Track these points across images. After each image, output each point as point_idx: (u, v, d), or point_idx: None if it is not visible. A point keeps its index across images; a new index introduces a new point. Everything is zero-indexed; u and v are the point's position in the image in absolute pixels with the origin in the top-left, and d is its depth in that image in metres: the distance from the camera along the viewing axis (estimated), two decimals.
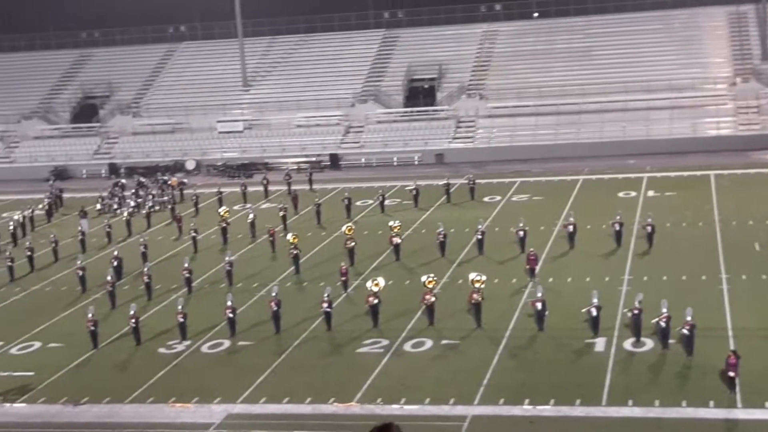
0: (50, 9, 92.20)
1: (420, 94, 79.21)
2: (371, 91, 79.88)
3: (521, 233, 44.90)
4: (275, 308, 36.27)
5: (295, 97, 79.64)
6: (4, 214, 60.27)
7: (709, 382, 29.15)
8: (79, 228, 52.41)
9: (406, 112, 77.47)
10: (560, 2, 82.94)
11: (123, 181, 68.15)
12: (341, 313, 37.30)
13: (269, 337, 35.88)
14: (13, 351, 36.45)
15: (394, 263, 44.55)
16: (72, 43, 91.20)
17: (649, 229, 44.11)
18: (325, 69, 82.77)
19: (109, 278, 41.68)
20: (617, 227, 44.66)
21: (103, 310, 39.42)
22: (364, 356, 33.44)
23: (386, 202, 55.92)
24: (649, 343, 32.37)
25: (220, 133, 77.90)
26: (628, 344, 32.59)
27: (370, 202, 57.22)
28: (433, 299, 36.01)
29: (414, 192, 56.40)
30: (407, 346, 34.05)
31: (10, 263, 46.64)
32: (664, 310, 31.90)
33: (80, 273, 43.69)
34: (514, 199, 56.88)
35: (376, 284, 37.07)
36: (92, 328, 35.83)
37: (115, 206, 60.46)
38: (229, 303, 36.52)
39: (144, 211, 57.17)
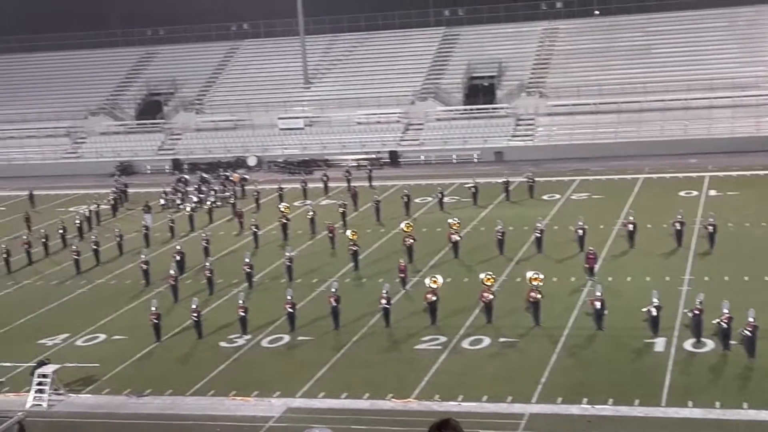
0: (117, 7, 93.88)
1: (480, 91, 79.09)
2: (431, 88, 79.97)
3: (580, 231, 44.74)
4: (334, 304, 36.62)
5: (356, 94, 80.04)
6: (71, 209, 61.52)
7: None
8: (143, 222, 53.28)
9: (465, 110, 77.44)
10: (621, 0, 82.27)
11: (186, 176, 69.19)
12: (399, 310, 37.53)
13: (328, 332, 36.24)
14: (79, 342, 37.21)
15: (452, 260, 44.67)
16: (138, 40, 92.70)
17: (710, 228, 43.66)
18: (386, 66, 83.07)
19: (171, 272, 42.32)
20: (678, 226, 44.26)
21: (166, 304, 40.06)
22: (422, 353, 33.64)
23: (445, 200, 56.02)
24: (709, 344, 32.11)
25: (281, 129, 78.58)
26: (688, 345, 32.36)
27: (429, 199, 57.35)
28: (491, 297, 36.09)
29: (473, 189, 56.41)
30: (465, 344, 34.18)
31: (76, 256, 47.60)
32: (726, 310, 31.64)
33: (144, 267, 44.44)
34: (573, 197, 56.62)
35: (435, 281, 37.27)
36: (155, 321, 36.49)
37: (178, 201, 61.33)
38: (288, 298, 36.95)
39: (206, 207, 57.93)
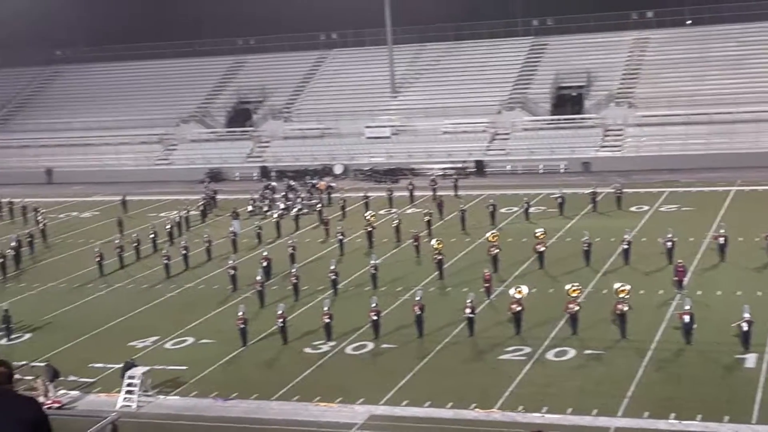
0: (209, 17, 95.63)
1: (567, 101, 78.51)
2: (518, 98, 79.61)
3: (669, 244, 44.03)
4: (419, 312, 36.67)
5: (442, 103, 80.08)
6: (162, 214, 62.75)
7: None
8: (231, 228, 54.05)
9: (552, 120, 76.90)
10: (714, 9, 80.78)
11: (273, 184, 70.02)
12: (484, 320, 37.42)
13: (412, 340, 36.30)
14: (168, 345, 37.87)
15: (537, 271, 44.38)
16: (228, 50, 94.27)
17: None
18: (473, 76, 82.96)
19: (258, 278, 42.86)
20: None
21: (253, 309, 40.54)
22: (506, 363, 33.47)
23: (531, 210, 55.71)
24: None
25: (368, 138, 79.02)
26: None
27: (515, 209, 57.06)
28: (576, 308, 35.76)
29: (559, 200, 55.99)
30: (550, 355, 33.90)
31: (166, 261, 48.54)
32: None
33: (231, 272, 45.07)
34: (662, 209, 55.77)
35: (519, 291, 37.09)
36: (242, 326, 36.94)
37: (266, 208, 62.12)
38: (373, 306, 37.11)
39: (293, 214, 58.56)
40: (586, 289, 40.01)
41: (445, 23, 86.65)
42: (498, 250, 44.84)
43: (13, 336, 39.67)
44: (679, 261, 40.73)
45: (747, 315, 32.87)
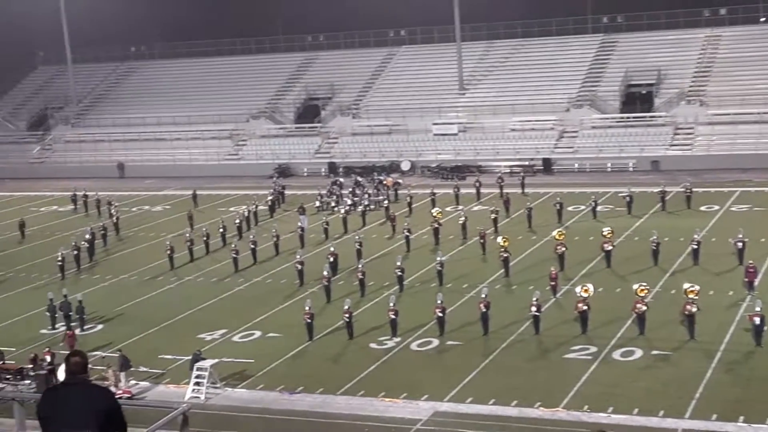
0: (280, 14, 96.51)
1: (637, 99, 77.70)
2: (587, 96, 78.98)
3: (740, 244, 43.41)
4: (484, 310, 36.69)
5: (510, 100, 79.79)
6: (231, 208, 63.56)
7: None
8: (299, 224, 54.53)
9: (621, 118, 76.18)
10: None
11: (341, 179, 70.47)
12: (550, 318, 37.30)
13: (477, 338, 36.33)
14: (236, 338, 38.36)
15: (604, 270, 44.09)
16: (299, 46, 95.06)
17: None
18: (541, 73, 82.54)
19: (325, 273, 43.21)
20: None
21: (319, 304, 40.91)
22: (572, 362, 33.34)
23: (598, 208, 55.31)
24: None
25: (435, 135, 79.07)
26: None
27: (582, 207, 56.70)
28: (644, 308, 35.47)
29: (627, 199, 55.50)
30: (616, 355, 33.69)
31: (235, 255, 49.16)
32: None
33: (299, 267, 45.46)
34: (733, 209, 54.96)
35: (586, 290, 36.91)
36: (308, 320, 37.30)
37: (333, 204, 62.55)
38: (439, 302, 37.20)
39: (359, 210, 58.89)
40: (654, 289, 39.64)
41: (514, 20, 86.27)
42: (564, 249, 44.64)
43: (86, 326, 40.57)
44: (750, 262, 40.16)
45: (759, 309, 33.17)
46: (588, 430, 27.02)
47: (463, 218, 52.68)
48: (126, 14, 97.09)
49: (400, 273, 43.34)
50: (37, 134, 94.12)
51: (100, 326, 41.08)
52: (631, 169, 70.49)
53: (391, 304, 37.64)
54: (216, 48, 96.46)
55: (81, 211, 67.47)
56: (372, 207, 60.43)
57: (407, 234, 50.83)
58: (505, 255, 44.53)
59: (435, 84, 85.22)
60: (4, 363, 35.43)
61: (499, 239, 46.41)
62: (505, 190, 60.94)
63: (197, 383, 32.52)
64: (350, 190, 64.60)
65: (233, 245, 50.72)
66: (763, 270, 41.57)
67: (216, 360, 33.94)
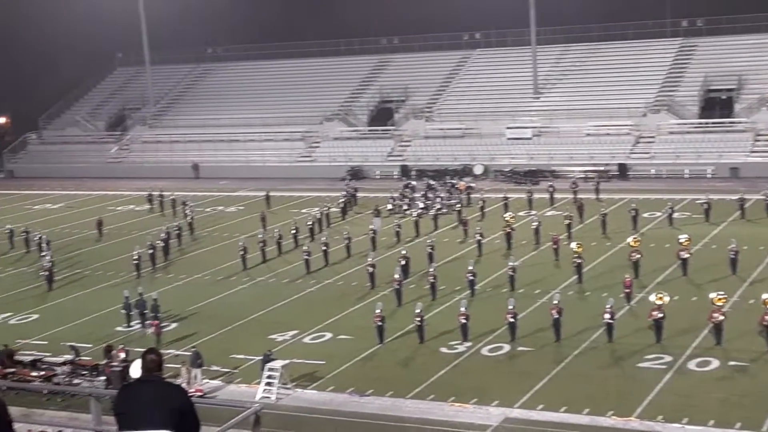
0: (354, 17, 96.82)
1: (716, 104, 76.33)
2: (664, 101, 77.81)
3: None
4: (556, 316, 36.33)
5: (586, 105, 78.99)
6: (304, 210, 63.94)
7: None
8: (371, 226, 54.58)
9: (700, 124, 74.89)
10: None
11: (413, 183, 70.41)
12: (623, 326, 36.77)
13: (549, 344, 35.98)
14: (306, 340, 38.52)
15: (680, 278, 43.33)
16: (373, 49, 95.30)
17: None
18: (618, 77, 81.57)
19: (396, 276, 43.18)
20: None
21: (390, 307, 40.86)
22: (646, 371, 32.81)
23: (675, 215, 54.42)
24: None
25: (509, 139, 78.61)
26: None
27: (658, 214, 55.85)
28: (721, 318, 34.76)
29: (705, 206, 54.51)
30: (691, 365, 33.07)
31: (306, 256, 49.39)
32: None
33: (370, 270, 45.49)
34: None
35: (661, 298, 36.31)
36: (379, 323, 37.27)
37: (405, 207, 62.52)
38: (510, 308, 36.92)
39: (432, 213, 58.76)
40: (731, 299, 38.84)
41: (590, 23, 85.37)
42: (639, 256, 43.99)
43: (161, 325, 41.08)
44: None
45: None
46: None
47: (536, 223, 52.24)
48: (202, 17, 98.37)
49: (471, 277, 43.11)
50: (115, 134, 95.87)
51: (174, 324, 41.58)
52: (709, 175, 69.24)
53: (462, 309, 37.44)
54: (290, 50, 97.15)
55: (157, 210, 68.49)
56: (444, 211, 60.23)
57: (479, 238, 50.57)
58: (579, 261, 44.03)
59: (509, 87, 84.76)
60: (80, 359, 36.07)
61: (573, 245, 45.93)
62: (579, 196, 60.35)
63: (268, 383, 32.71)
64: (422, 193, 64.52)
65: (305, 247, 50.91)
66: None
67: (287, 361, 34.11)
